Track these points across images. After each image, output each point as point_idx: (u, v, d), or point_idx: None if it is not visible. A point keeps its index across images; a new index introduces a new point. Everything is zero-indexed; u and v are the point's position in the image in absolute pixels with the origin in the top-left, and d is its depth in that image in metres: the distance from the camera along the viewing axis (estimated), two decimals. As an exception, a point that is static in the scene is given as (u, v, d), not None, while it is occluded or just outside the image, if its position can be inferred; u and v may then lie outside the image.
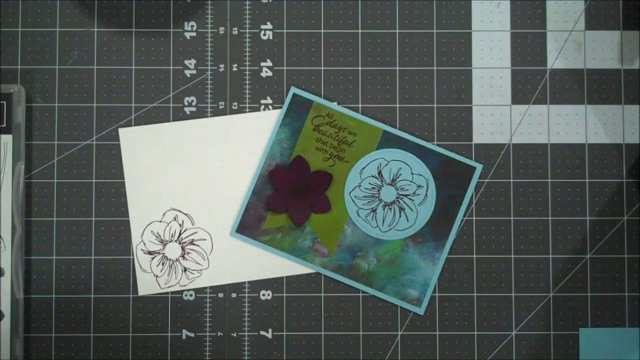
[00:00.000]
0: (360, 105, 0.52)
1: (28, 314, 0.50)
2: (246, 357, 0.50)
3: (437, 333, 0.50)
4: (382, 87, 0.52)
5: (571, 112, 0.52)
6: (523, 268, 0.51)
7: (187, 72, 0.52)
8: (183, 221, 0.50)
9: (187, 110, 0.51)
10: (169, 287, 0.50)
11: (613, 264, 0.51)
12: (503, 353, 0.50)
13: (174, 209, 0.51)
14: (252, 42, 0.52)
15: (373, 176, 0.51)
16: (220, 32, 0.52)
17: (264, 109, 0.51)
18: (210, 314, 0.50)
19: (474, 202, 0.51)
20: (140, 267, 0.50)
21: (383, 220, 0.50)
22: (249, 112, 0.51)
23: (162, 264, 0.50)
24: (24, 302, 0.50)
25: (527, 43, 0.52)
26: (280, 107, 0.51)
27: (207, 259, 0.50)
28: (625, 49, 0.52)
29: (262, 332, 0.50)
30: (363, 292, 0.50)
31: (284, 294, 0.51)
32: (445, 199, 0.51)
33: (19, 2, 0.52)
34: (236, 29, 0.52)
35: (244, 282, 0.51)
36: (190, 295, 0.50)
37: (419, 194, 0.51)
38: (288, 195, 0.50)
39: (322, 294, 0.51)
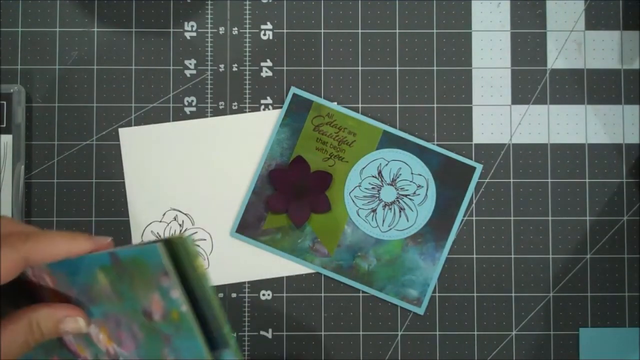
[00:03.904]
0: (360, 105, 0.52)
1: (28, 314, 0.50)
2: (246, 357, 0.50)
3: (437, 333, 0.50)
4: (382, 87, 0.52)
5: (571, 112, 0.52)
6: (523, 268, 0.51)
7: (187, 72, 0.52)
8: (183, 221, 0.50)
9: (187, 110, 0.51)
10: (169, 287, 0.50)
11: (613, 264, 0.51)
12: (503, 353, 0.50)
13: (174, 209, 0.51)
14: (252, 42, 0.52)
15: (373, 176, 0.51)
16: (220, 32, 0.52)
17: (264, 109, 0.51)
18: (210, 314, 0.50)
19: (474, 202, 0.51)
20: (140, 267, 0.50)
21: (383, 220, 0.50)
22: (249, 112, 0.51)
23: (162, 264, 0.50)
24: (24, 302, 0.50)
25: (527, 43, 0.52)
26: (280, 107, 0.51)
27: (207, 259, 0.50)
28: (625, 49, 0.52)
29: (262, 332, 0.50)
30: (363, 292, 0.50)
31: (284, 294, 0.51)
32: (445, 199, 0.51)
33: (19, 2, 0.52)
34: (236, 29, 0.52)
35: (244, 282, 0.51)
36: (190, 295, 0.50)
37: (419, 194, 0.51)
38: (288, 195, 0.50)
39: (322, 294, 0.51)
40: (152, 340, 0.33)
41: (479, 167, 0.51)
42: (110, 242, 0.34)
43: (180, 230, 0.50)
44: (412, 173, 0.51)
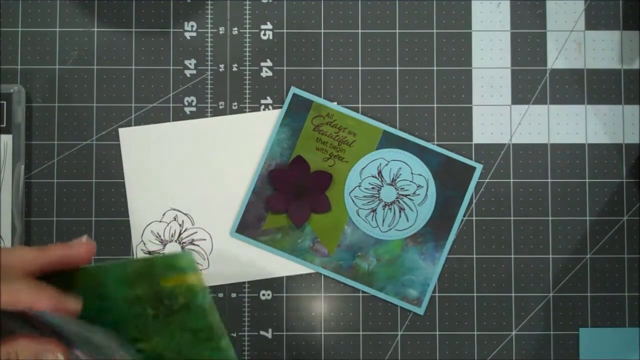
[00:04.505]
0: (360, 105, 0.52)
1: (28, 314, 0.50)
2: (246, 357, 0.50)
3: (437, 333, 0.50)
4: (382, 87, 0.52)
5: (571, 112, 0.52)
6: (523, 268, 0.51)
7: (187, 72, 0.52)
8: (183, 221, 0.50)
9: (187, 110, 0.51)
10: (169, 287, 0.50)
11: (613, 264, 0.51)
12: (503, 353, 0.50)
13: (174, 209, 0.51)
14: (252, 42, 0.52)
15: (373, 176, 0.51)
16: (220, 32, 0.52)
17: (264, 109, 0.51)
18: (210, 314, 0.50)
19: (474, 202, 0.51)
20: (140, 267, 0.50)
21: (383, 220, 0.50)
22: (249, 112, 0.51)
23: (162, 264, 0.50)
24: (24, 302, 0.50)
25: (527, 43, 0.52)
26: (280, 107, 0.51)
27: (207, 259, 0.50)
28: (625, 49, 0.52)
29: (262, 332, 0.50)
30: (363, 292, 0.50)
31: (284, 294, 0.51)
32: (445, 199, 0.51)
33: (19, 2, 0.52)
34: (236, 29, 0.52)
35: (244, 282, 0.51)
36: (190, 295, 0.50)
37: (419, 194, 0.51)
38: (288, 195, 0.50)
39: (322, 294, 0.51)
40: None
41: (479, 167, 0.51)
42: (75, 309, 0.33)
43: (180, 230, 0.50)
44: (412, 173, 0.51)
